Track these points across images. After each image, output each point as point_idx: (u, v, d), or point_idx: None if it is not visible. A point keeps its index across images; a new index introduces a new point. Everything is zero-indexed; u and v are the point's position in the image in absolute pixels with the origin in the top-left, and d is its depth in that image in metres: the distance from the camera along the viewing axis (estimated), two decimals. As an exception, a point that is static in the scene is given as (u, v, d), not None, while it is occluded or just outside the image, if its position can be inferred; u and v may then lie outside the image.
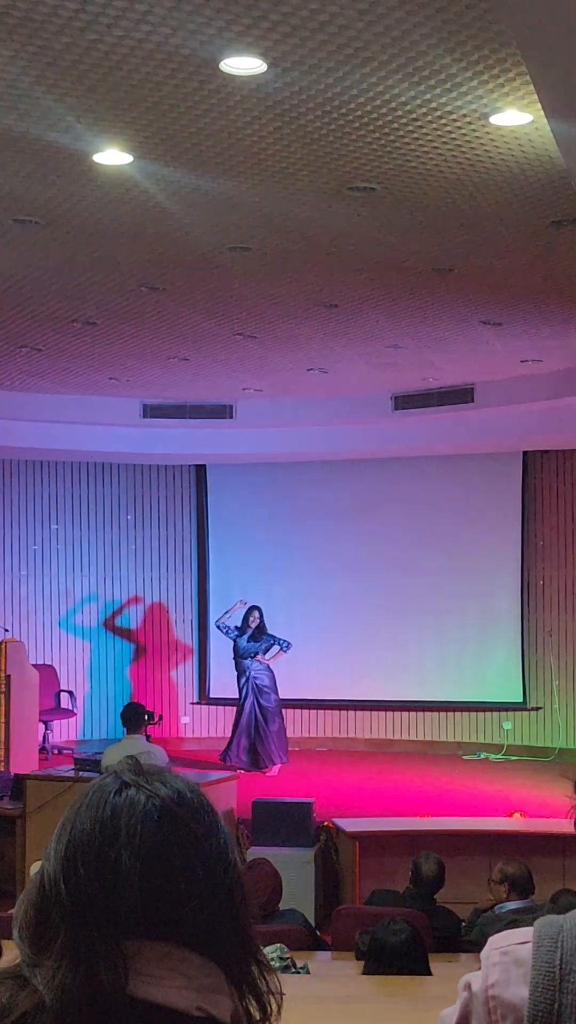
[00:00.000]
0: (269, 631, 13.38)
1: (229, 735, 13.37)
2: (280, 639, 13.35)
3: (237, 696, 13.39)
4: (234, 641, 13.37)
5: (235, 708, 13.48)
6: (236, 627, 13.39)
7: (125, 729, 10.01)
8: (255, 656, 13.25)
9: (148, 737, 10.56)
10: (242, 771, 12.38)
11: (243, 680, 13.29)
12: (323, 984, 5.35)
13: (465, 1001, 1.54)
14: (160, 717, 10.37)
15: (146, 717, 10.14)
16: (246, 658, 13.27)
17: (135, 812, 1.37)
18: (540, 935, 1.48)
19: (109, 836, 1.35)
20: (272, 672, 13.30)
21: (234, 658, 13.43)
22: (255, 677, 13.23)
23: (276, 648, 13.33)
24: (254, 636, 13.31)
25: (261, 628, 13.35)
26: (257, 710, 13.11)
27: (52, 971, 1.31)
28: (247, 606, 13.44)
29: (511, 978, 1.49)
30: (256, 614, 13.38)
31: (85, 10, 4.50)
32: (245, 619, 13.38)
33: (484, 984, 1.50)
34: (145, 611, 15.47)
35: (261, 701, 13.14)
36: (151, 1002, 1.31)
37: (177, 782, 1.43)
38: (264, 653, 13.30)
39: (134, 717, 9.87)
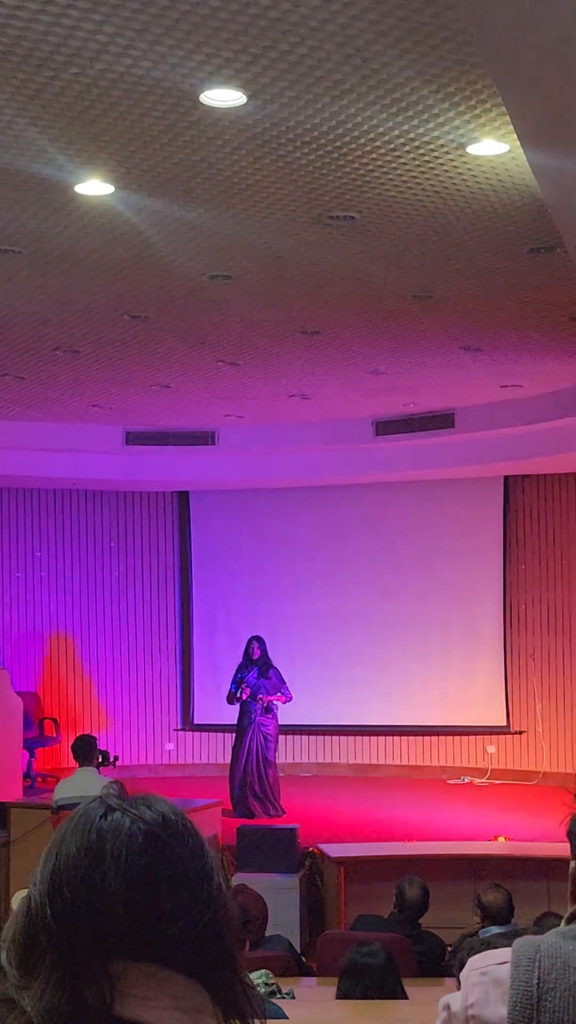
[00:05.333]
0: (265, 662, 12.62)
1: (229, 779, 12.59)
2: (285, 687, 12.52)
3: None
4: (241, 679, 12.59)
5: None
6: (240, 663, 12.68)
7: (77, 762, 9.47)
8: (264, 699, 12.42)
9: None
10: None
11: (247, 723, 12.52)
12: (308, 1010, 5.35)
13: (444, 1021, 1.57)
14: (116, 758, 9.84)
15: (99, 762, 9.67)
16: (253, 699, 12.47)
17: (120, 835, 1.39)
18: (518, 955, 1.51)
19: (94, 859, 1.37)
20: (276, 720, 12.57)
21: (238, 693, 12.60)
22: (261, 724, 12.47)
23: (278, 696, 12.53)
24: (261, 671, 12.54)
25: (266, 661, 12.61)
26: (259, 759, 12.40)
27: (39, 993, 1.33)
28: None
29: (490, 998, 1.51)
30: (256, 644, 12.65)
31: (67, 44, 4.55)
32: (246, 651, 12.70)
33: (464, 1004, 1.53)
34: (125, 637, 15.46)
35: (263, 746, 12.43)
36: (137, 1022, 1.33)
37: (162, 806, 1.45)
38: (272, 693, 12.49)
39: (85, 749, 9.41)
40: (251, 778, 12.37)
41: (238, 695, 12.54)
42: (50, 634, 15.20)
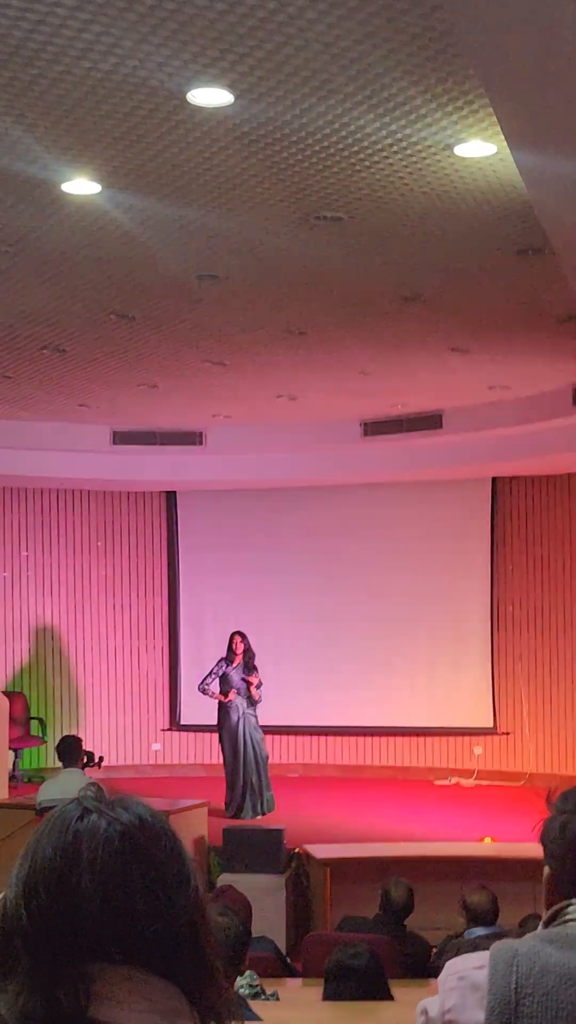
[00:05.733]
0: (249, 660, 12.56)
1: (227, 787, 12.48)
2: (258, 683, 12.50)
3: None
4: (223, 674, 12.51)
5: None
6: (221, 658, 12.62)
7: (61, 763, 9.55)
8: (248, 692, 12.40)
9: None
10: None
11: (236, 717, 12.43)
12: (293, 1011, 5.35)
13: (422, 1026, 1.57)
14: (101, 759, 9.75)
15: (84, 763, 9.58)
16: (239, 692, 12.42)
17: (96, 837, 1.38)
18: (496, 960, 1.51)
19: (70, 861, 1.37)
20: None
21: (220, 690, 12.54)
22: (248, 714, 12.43)
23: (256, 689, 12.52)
24: (246, 666, 12.47)
25: (251, 655, 12.55)
26: (255, 751, 12.40)
27: (14, 996, 1.33)
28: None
29: (468, 1003, 1.51)
30: (239, 639, 12.59)
31: (53, 42, 4.53)
32: (229, 646, 12.62)
33: (441, 1009, 1.52)
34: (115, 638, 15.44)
35: (255, 737, 12.43)
36: (113, 1025, 1.33)
37: (139, 808, 1.44)
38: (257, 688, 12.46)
39: (70, 750, 9.41)
40: (249, 774, 12.37)
41: (227, 697, 12.52)
42: (37, 634, 15.17)
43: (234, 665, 12.59)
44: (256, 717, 12.58)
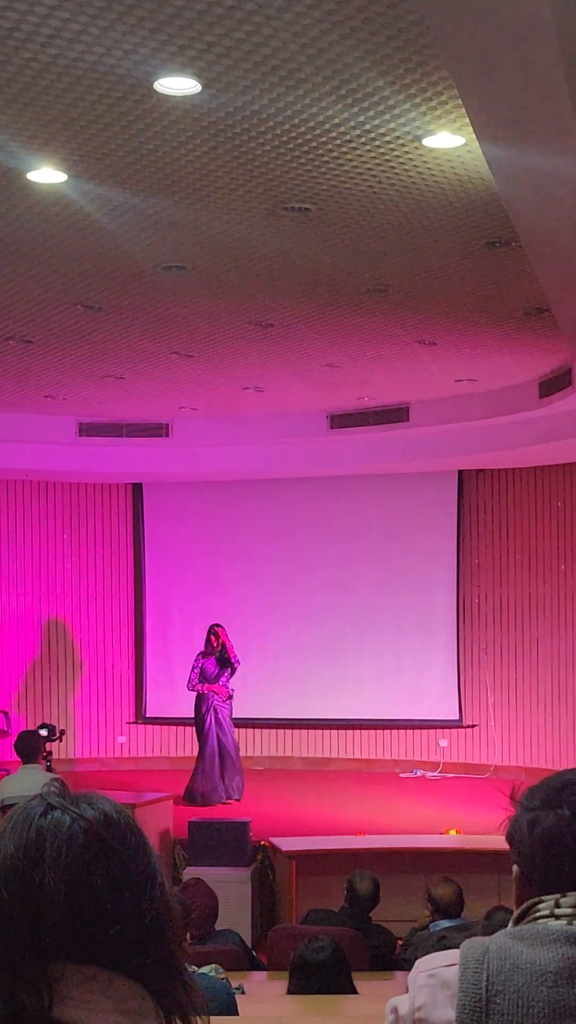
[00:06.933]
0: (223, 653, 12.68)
1: (194, 769, 12.59)
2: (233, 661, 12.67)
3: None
4: (201, 668, 12.64)
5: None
6: (200, 652, 12.74)
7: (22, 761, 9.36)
8: (219, 684, 12.56)
9: (49, 764, 10.24)
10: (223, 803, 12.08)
11: (204, 708, 12.59)
12: (259, 1005, 5.34)
13: (392, 1024, 1.55)
14: (63, 732, 9.59)
15: (44, 736, 9.44)
16: (213, 683, 12.56)
17: (60, 834, 1.36)
18: (466, 957, 1.49)
19: (33, 858, 1.35)
20: (230, 703, 12.70)
21: (199, 682, 12.67)
22: (218, 707, 12.57)
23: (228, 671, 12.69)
24: (220, 659, 12.61)
25: (226, 648, 12.64)
26: (220, 740, 12.48)
27: (-24, 996, 1.30)
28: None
29: (438, 1000, 1.50)
30: (221, 632, 12.72)
31: (19, 28, 4.49)
32: (207, 640, 12.72)
33: (411, 1007, 1.51)
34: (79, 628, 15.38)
35: (221, 734, 12.52)
36: (76, 1026, 1.30)
37: (104, 804, 1.42)
38: (230, 676, 12.65)
39: (28, 747, 9.27)
40: (214, 762, 12.47)
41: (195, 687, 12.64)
42: (0, 626, 15.09)
43: (212, 658, 12.69)
44: (228, 708, 12.66)
